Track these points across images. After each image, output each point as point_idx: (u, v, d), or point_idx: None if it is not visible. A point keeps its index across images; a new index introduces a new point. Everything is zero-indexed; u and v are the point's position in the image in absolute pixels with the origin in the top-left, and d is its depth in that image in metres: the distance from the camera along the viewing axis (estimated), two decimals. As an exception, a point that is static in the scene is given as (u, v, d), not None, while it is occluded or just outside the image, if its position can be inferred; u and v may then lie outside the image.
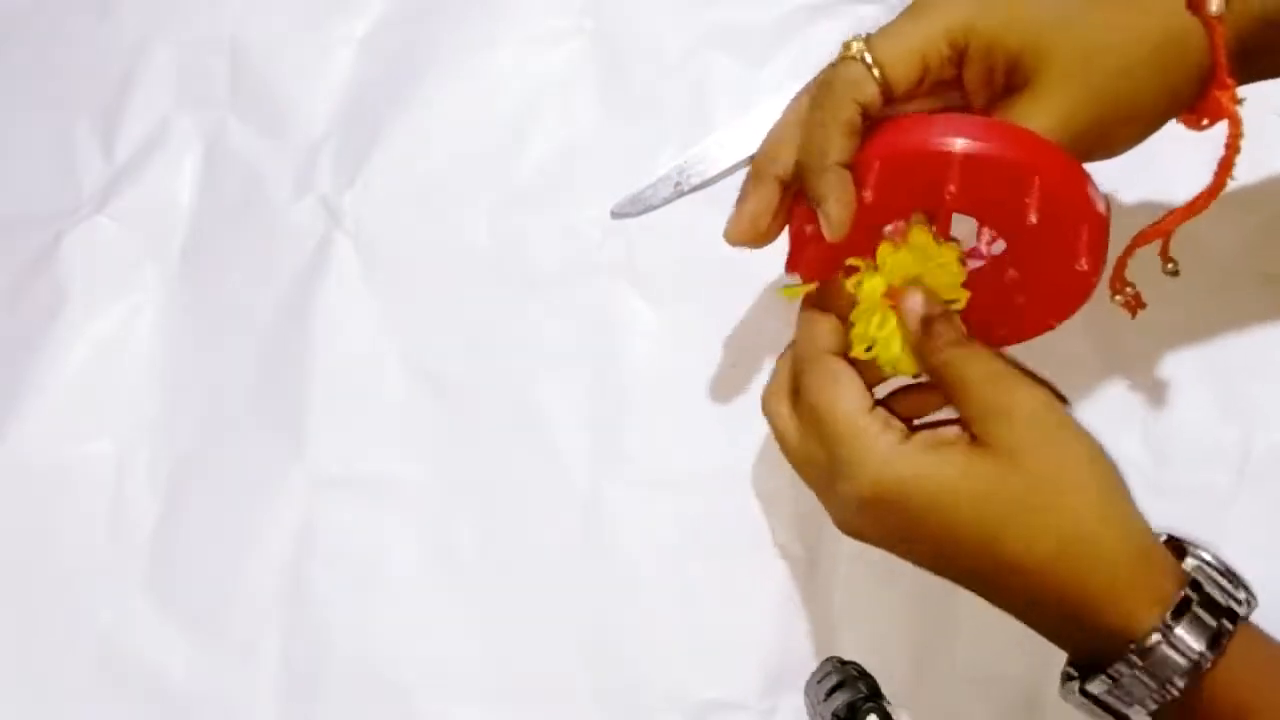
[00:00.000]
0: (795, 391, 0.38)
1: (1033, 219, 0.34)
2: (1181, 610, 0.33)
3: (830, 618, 0.48)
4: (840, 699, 0.40)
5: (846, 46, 0.36)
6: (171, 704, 0.50)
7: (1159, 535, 0.36)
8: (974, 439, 0.35)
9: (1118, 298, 0.43)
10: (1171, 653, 0.33)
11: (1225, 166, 0.38)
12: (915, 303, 0.37)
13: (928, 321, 0.36)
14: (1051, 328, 0.39)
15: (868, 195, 0.35)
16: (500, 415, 0.52)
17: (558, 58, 0.57)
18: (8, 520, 0.53)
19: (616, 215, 0.54)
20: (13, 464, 0.54)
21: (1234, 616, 0.33)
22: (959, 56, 0.35)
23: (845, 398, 0.36)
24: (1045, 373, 0.50)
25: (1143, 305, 0.42)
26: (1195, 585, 0.33)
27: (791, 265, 0.39)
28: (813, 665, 0.43)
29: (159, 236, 0.57)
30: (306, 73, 0.59)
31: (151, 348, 0.55)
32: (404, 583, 0.51)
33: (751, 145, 0.55)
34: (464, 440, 0.52)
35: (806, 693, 0.43)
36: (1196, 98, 0.36)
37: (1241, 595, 0.34)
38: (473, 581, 0.50)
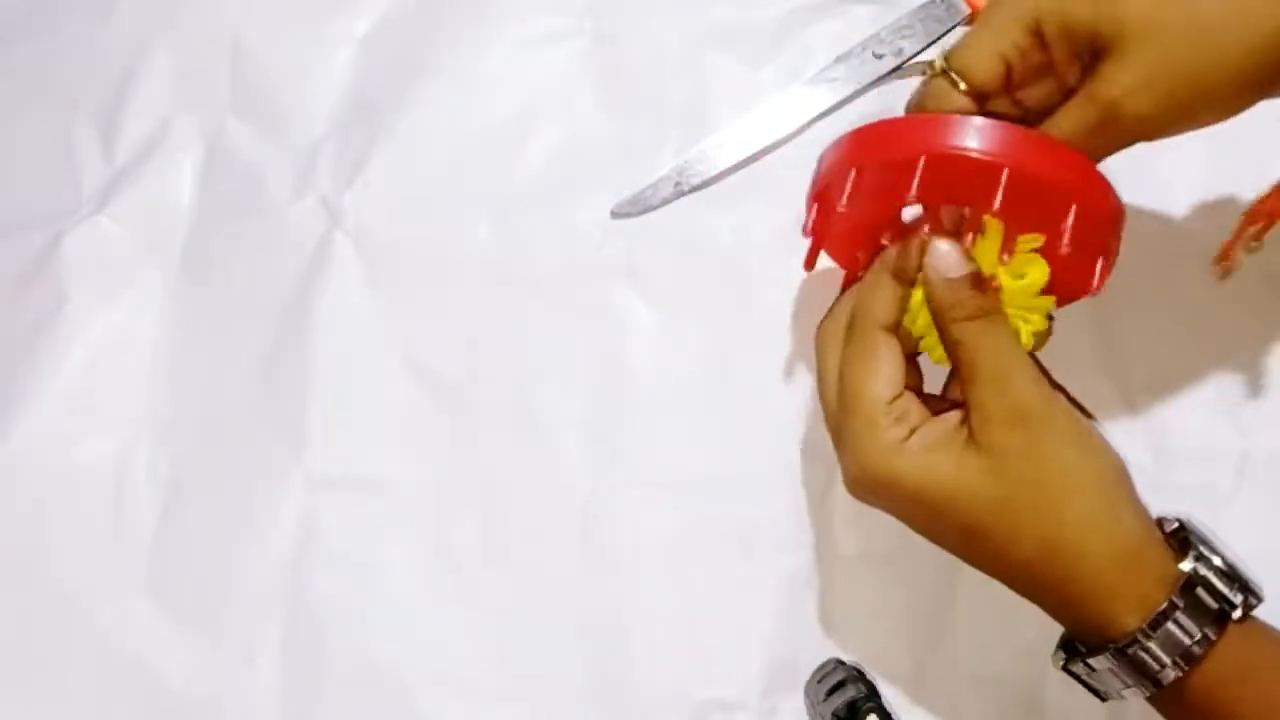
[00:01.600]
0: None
1: (1064, 246, 0.35)
2: (1162, 619, 0.33)
3: (830, 618, 0.48)
4: (840, 699, 0.41)
5: (931, 66, 0.37)
6: (171, 704, 0.50)
7: (1171, 522, 0.36)
8: (970, 434, 0.35)
9: (1218, 268, 0.44)
10: (1147, 658, 0.33)
11: None
12: (948, 261, 0.36)
13: (953, 284, 0.35)
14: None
15: (910, 195, 0.35)
16: (500, 415, 0.52)
17: (558, 58, 0.57)
18: (8, 520, 0.53)
19: (616, 215, 0.54)
20: (13, 464, 0.54)
21: (1224, 620, 0.33)
22: (1040, 42, 0.35)
23: (872, 382, 0.36)
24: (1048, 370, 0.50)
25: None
26: (1186, 588, 0.33)
27: (814, 246, 0.39)
28: (813, 665, 0.43)
29: (159, 236, 0.57)
30: (306, 73, 0.59)
31: (152, 348, 0.55)
32: (404, 583, 0.51)
33: (751, 145, 0.55)
34: (464, 440, 0.52)
35: (806, 693, 0.43)
36: None
37: (1238, 598, 0.34)
38: (472, 581, 0.50)
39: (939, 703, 0.46)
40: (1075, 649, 0.36)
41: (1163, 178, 0.51)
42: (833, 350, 0.38)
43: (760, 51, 0.56)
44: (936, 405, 0.37)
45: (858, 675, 0.41)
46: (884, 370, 0.36)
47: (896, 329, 0.37)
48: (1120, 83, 0.34)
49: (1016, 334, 0.36)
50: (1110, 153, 0.37)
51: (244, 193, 0.57)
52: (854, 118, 0.54)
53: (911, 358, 0.39)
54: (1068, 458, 0.35)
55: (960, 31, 0.54)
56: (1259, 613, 0.35)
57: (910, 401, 0.37)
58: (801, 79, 0.55)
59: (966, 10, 0.54)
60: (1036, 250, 0.37)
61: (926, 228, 0.37)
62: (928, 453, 0.35)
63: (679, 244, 0.53)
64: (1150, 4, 0.34)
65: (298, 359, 0.54)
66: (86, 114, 0.59)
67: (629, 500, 0.50)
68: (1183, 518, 0.36)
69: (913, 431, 0.36)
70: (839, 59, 0.55)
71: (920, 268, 0.36)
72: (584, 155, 0.56)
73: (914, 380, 0.38)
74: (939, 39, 0.54)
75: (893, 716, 0.40)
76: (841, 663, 0.42)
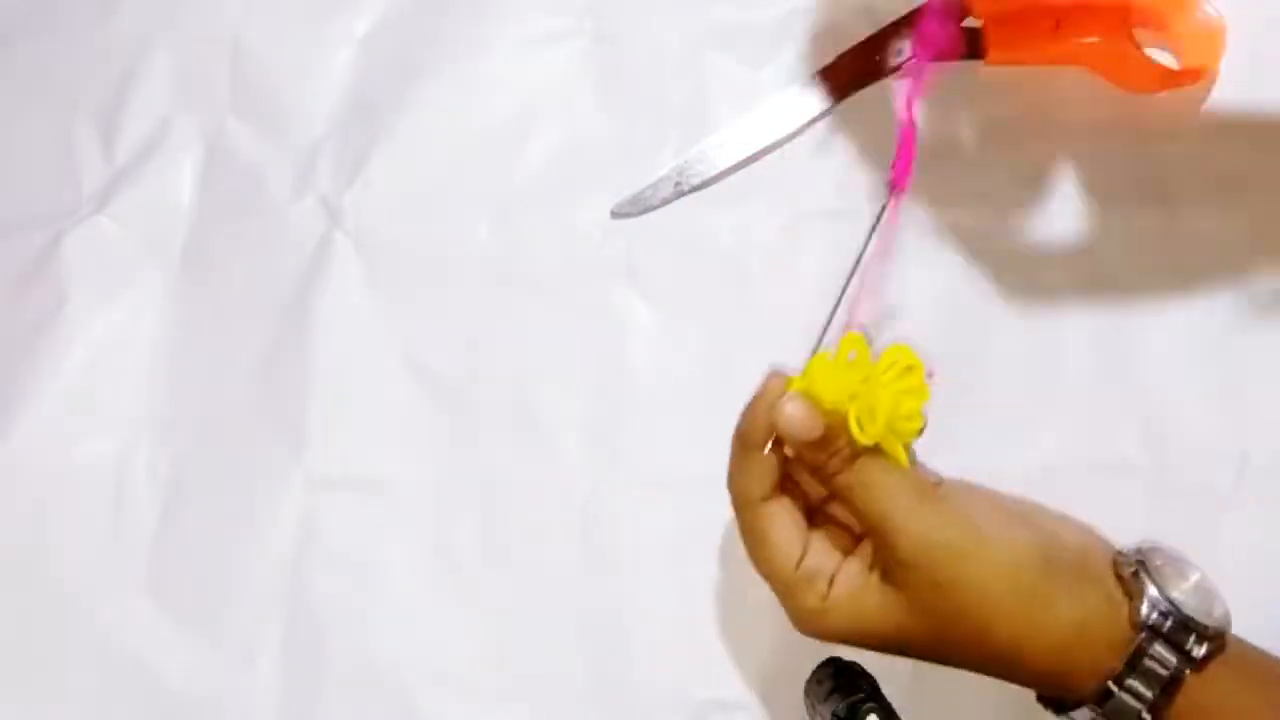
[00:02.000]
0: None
1: None
2: (1118, 682, 0.34)
3: (830, 618, 0.48)
4: (840, 699, 0.40)
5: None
6: (171, 704, 0.50)
7: (1130, 557, 0.36)
8: (881, 570, 0.36)
9: None
10: (1121, 706, 0.34)
11: None
12: (799, 425, 0.35)
13: (813, 446, 0.36)
14: None
15: None
16: (500, 415, 0.52)
17: (558, 58, 0.57)
18: (8, 520, 0.53)
19: (616, 215, 0.54)
20: (13, 464, 0.54)
21: (1179, 674, 0.34)
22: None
23: (772, 557, 0.37)
24: (1046, 371, 0.50)
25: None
26: (1135, 658, 0.34)
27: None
28: (813, 665, 0.43)
29: (159, 236, 0.57)
30: (306, 73, 0.59)
31: (152, 348, 0.55)
32: (404, 583, 0.51)
33: (751, 145, 0.55)
34: (464, 440, 0.52)
35: (806, 693, 0.43)
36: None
37: (1199, 649, 0.34)
38: (472, 581, 0.50)
39: (939, 703, 0.46)
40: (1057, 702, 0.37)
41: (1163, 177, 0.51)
42: (752, 529, 0.38)
43: (760, 51, 0.56)
44: (847, 532, 0.38)
45: (858, 675, 0.41)
46: (776, 543, 0.37)
47: (777, 493, 0.37)
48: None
49: (894, 459, 0.35)
50: None
51: (244, 193, 0.57)
52: (854, 117, 0.54)
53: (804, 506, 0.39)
54: (974, 578, 0.34)
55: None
56: (1250, 613, 0.35)
57: (819, 554, 0.37)
58: (801, 79, 0.55)
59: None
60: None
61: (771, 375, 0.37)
62: (852, 601, 0.36)
63: (679, 244, 0.53)
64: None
65: (298, 359, 0.54)
66: (86, 114, 0.59)
67: (629, 500, 0.50)
68: (1144, 552, 0.36)
69: (831, 581, 0.36)
70: (839, 58, 0.55)
71: (767, 426, 0.36)
72: (584, 155, 0.56)
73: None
74: (939, 39, 0.54)
75: (893, 716, 0.40)
76: (841, 662, 0.42)
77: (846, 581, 0.36)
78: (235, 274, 0.56)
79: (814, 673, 0.43)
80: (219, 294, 0.56)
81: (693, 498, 0.50)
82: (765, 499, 0.37)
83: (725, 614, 0.49)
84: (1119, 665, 0.34)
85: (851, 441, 0.35)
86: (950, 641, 0.35)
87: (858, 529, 0.38)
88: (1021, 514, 0.36)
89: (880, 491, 0.35)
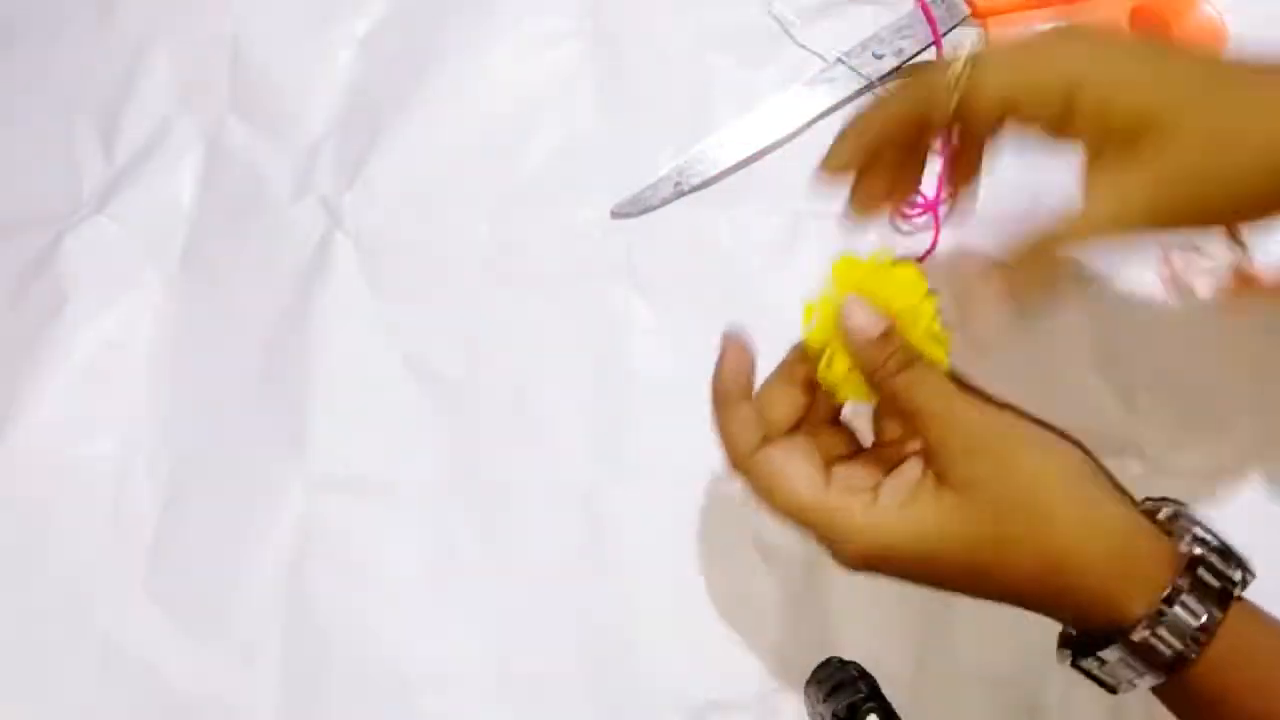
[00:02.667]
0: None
1: None
2: (1170, 601, 0.33)
3: (830, 618, 0.48)
4: (840, 699, 0.40)
5: (950, 65, 0.35)
6: (171, 704, 0.50)
7: (1160, 507, 0.37)
8: (936, 477, 0.35)
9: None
10: (1158, 643, 0.33)
11: None
12: (859, 322, 0.36)
13: (875, 344, 0.35)
14: None
15: None
16: (500, 415, 0.52)
17: (558, 58, 0.57)
18: (8, 520, 0.53)
19: (616, 215, 0.54)
20: (13, 463, 0.54)
21: (1227, 599, 0.34)
22: (1065, 107, 0.34)
23: (797, 488, 0.36)
24: (1045, 371, 0.50)
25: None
26: (1187, 570, 0.34)
27: None
28: (813, 665, 0.43)
29: (159, 237, 0.57)
30: (306, 73, 0.59)
31: (152, 348, 0.55)
32: (404, 582, 0.51)
33: (751, 145, 0.55)
34: (464, 440, 0.52)
35: (806, 693, 0.43)
36: None
37: (1237, 575, 0.34)
38: (472, 581, 0.50)
39: (939, 703, 0.46)
40: (1082, 645, 0.36)
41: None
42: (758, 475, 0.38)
43: (760, 51, 0.56)
44: (879, 455, 0.38)
45: (858, 675, 0.41)
46: (795, 473, 0.36)
47: (771, 436, 0.38)
48: (1140, 181, 0.34)
49: (939, 365, 0.36)
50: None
51: (244, 193, 0.57)
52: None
53: (835, 422, 0.39)
54: (1035, 467, 0.35)
55: (962, 33, 0.54)
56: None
57: (851, 475, 0.37)
58: (801, 79, 0.55)
59: (966, 10, 0.54)
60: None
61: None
62: (904, 510, 0.35)
63: (679, 244, 0.53)
64: (1191, 122, 0.33)
65: (298, 359, 0.54)
66: (86, 114, 0.60)
67: (629, 500, 0.50)
68: (1168, 499, 0.37)
69: (874, 492, 0.36)
70: (839, 59, 0.55)
71: (743, 380, 0.37)
72: (584, 155, 0.56)
73: (844, 447, 0.39)
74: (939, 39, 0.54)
75: (893, 716, 0.40)
76: (842, 662, 0.42)
77: (894, 492, 0.36)
78: (235, 274, 0.56)
79: (814, 673, 0.43)
80: (219, 294, 0.56)
81: (693, 498, 0.50)
82: (762, 445, 0.37)
83: (725, 614, 0.49)
84: (1168, 582, 0.33)
85: (904, 342, 0.35)
86: (1010, 540, 0.34)
87: (889, 453, 0.37)
88: None
89: (941, 384, 0.35)
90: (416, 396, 0.53)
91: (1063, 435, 0.36)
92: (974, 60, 0.35)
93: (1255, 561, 0.35)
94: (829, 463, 0.38)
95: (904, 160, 0.38)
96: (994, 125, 0.36)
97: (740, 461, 0.37)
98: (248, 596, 0.51)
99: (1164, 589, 0.33)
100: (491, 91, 0.57)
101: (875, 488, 0.36)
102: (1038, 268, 0.36)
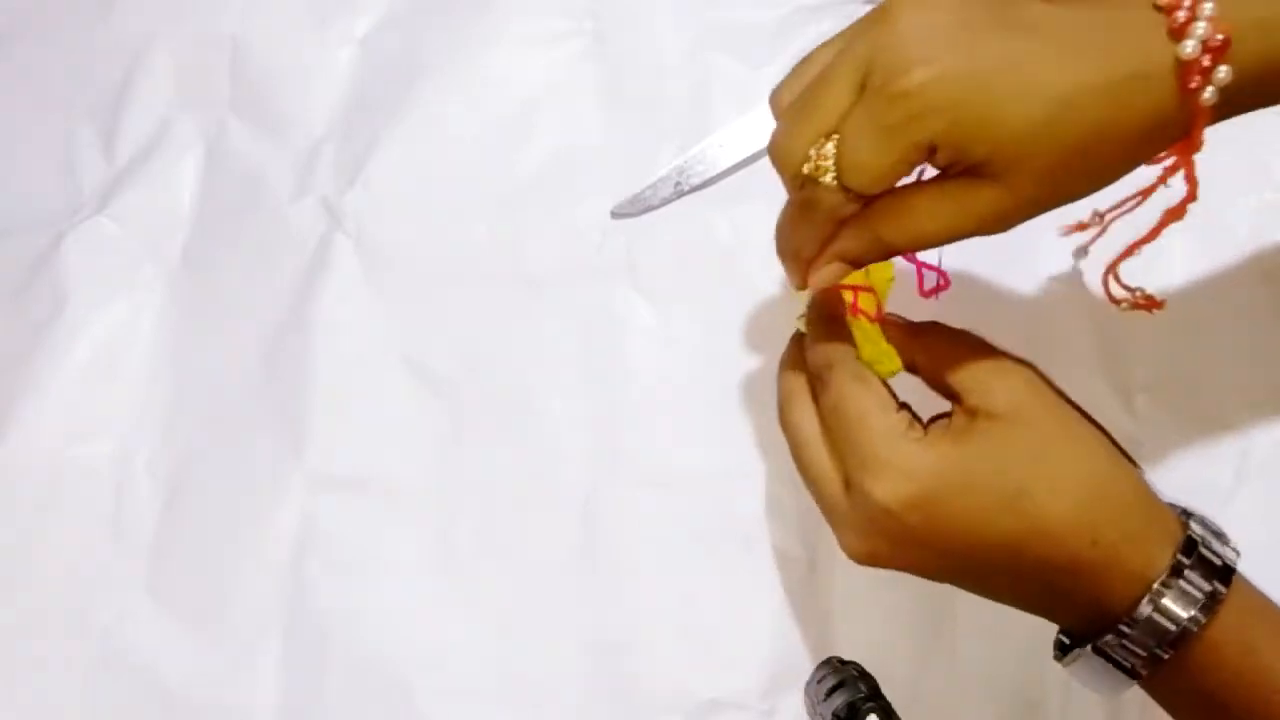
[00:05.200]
0: (816, 400, 0.38)
1: None
2: (1189, 550, 0.34)
3: (830, 618, 0.48)
4: (840, 699, 0.40)
5: (816, 167, 0.35)
6: (171, 704, 0.50)
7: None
8: (975, 414, 0.36)
9: (1124, 305, 0.46)
10: (1190, 587, 0.34)
11: (1175, 214, 0.39)
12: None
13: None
14: None
15: None
16: (500, 415, 0.52)
17: (558, 58, 0.57)
18: (8, 520, 0.53)
19: (616, 215, 0.54)
20: (13, 464, 0.54)
21: (1228, 575, 0.34)
22: (926, 154, 0.35)
23: (875, 397, 0.37)
24: (1046, 371, 0.50)
25: (1157, 304, 0.45)
26: (1194, 530, 0.35)
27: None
28: (813, 665, 0.43)
29: (159, 237, 0.57)
30: (306, 73, 0.59)
31: (152, 348, 0.55)
32: (404, 582, 0.51)
33: (751, 145, 0.55)
34: (464, 440, 0.52)
35: (806, 693, 0.43)
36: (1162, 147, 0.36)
37: (1231, 554, 0.35)
38: (472, 581, 0.50)
39: (939, 703, 0.46)
40: (1083, 639, 0.36)
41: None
42: (803, 421, 0.38)
43: (760, 51, 0.56)
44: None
45: (858, 675, 0.41)
46: (878, 385, 0.37)
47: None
48: (1001, 207, 0.34)
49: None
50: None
51: (244, 193, 0.57)
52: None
53: None
54: (1071, 411, 0.37)
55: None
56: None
57: (909, 413, 0.37)
58: (801, 79, 0.55)
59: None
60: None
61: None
62: (948, 440, 0.35)
63: (679, 244, 0.53)
64: (1049, 147, 0.33)
65: (298, 359, 0.54)
66: (86, 114, 0.59)
67: (629, 500, 0.50)
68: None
69: (925, 434, 0.36)
70: (838, 59, 0.55)
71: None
72: (584, 155, 0.56)
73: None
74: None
75: (893, 716, 0.40)
76: (842, 662, 0.42)
77: (944, 427, 0.37)
78: (235, 274, 0.56)
79: (814, 673, 0.43)
80: (219, 294, 0.56)
81: (693, 497, 0.50)
82: (858, 359, 0.38)
83: (725, 614, 0.49)
84: (1171, 557, 0.34)
85: None
86: (1053, 461, 0.35)
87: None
88: None
89: (980, 344, 0.38)
90: (417, 397, 0.53)
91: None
92: (834, 160, 0.35)
93: (1255, 560, 0.35)
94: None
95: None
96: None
97: (842, 365, 0.38)
98: (248, 596, 0.51)
99: (1182, 540, 0.34)
100: (491, 91, 0.57)
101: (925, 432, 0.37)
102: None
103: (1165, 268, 0.50)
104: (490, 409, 0.52)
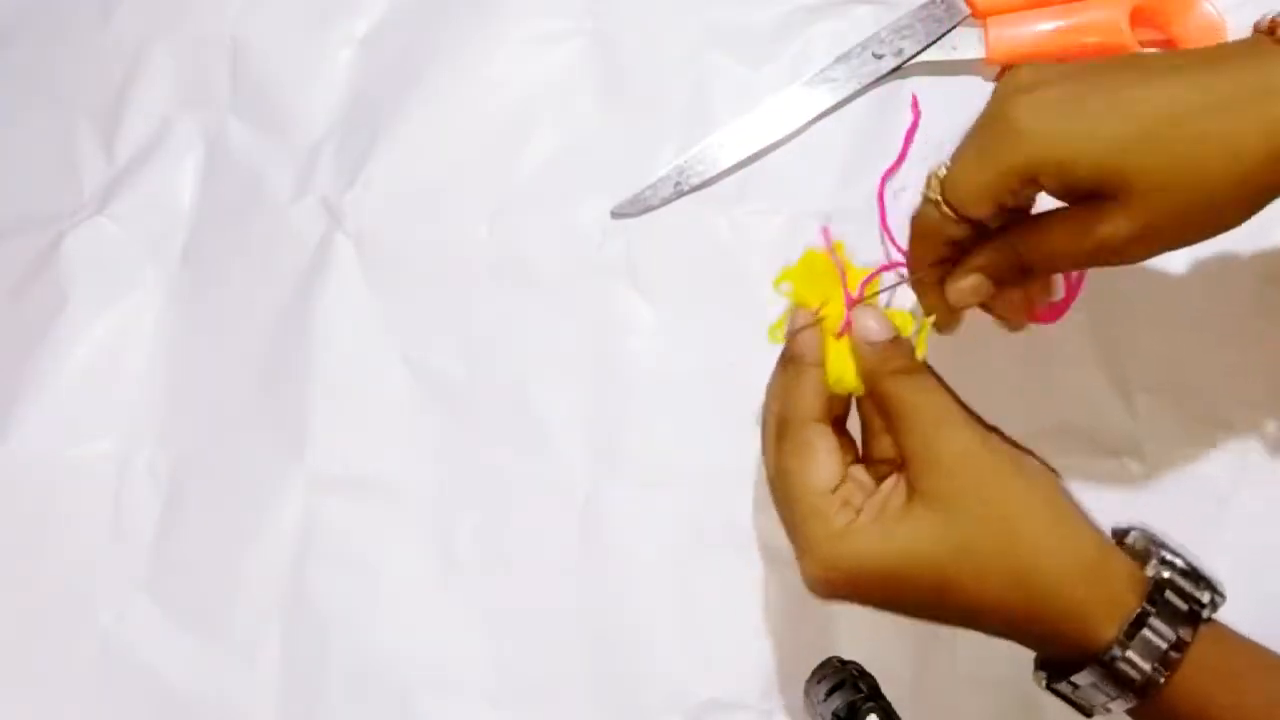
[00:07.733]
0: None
1: None
2: (1138, 625, 0.33)
3: (830, 618, 0.48)
4: (840, 699, 0.40)
5: (928, 183, 0.38)
6: (171, 704, 0.50)
7: (1127, 531, 0.37)
8: (910, 489, 0.36)
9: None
10: (1128, 667, 0.33)
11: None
12: (871, 327, 0.37)
13: (879, 347, 0.37)
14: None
15: None
16: (500, 415, 0.52)
17: (558, 58, 0.57)
18: (8, 520, 0.53)
19: (616, 215, 0.54)
20: (14, 464, 0.54)
21: (1196, 621, 0.34)
22: (1034, 183, 0.36)
23: (812, 475, 0.37)
24: (1045, 371, 0.50)
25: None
26: (1155, 593, 0.34)
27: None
28: (813, 665, 0.43)
29: (160, 237, 0.57)
30: (306, 73, 0.59)
31: (152, 348, 0.55)
32: (404, 583, 0.51)
33: (751, 145, 0.55)
34: (464, 440, 0.52)
35: (806, 693, 0.43)
36: None
37: (1205, 596, 0.34)
38: (472, 581, 0.50)
39: (939, 703, 0.46)
40: (1056, 668, 0.36)
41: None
42: (768, 461, 0.39)
43: (760, 51, 0.56)
44: (873, 472, 0.38)
45: (858, 675, 0.41)
46: (822, 461, 0.37)
47: (828, 417, 0.38)
48: (1121, 231, 0.35)
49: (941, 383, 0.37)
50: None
51: (244, 193, 0.57)
52: (854, 117, 0.54)
53: (843, 432, 0.39)
54: (1014, 487, 0.35)
55: (962, 33, 0.54)
56: (1251, 612, 0.35)
57: (853, 487, 0.37)
58: (801, 79, 0.55)
59: (966, 10, 0.54)
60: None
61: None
62: (877, 524, 0.35)
63: (679, 244, 0.53)
64: (1154, 162, 0.34)
65: (298, 359, 0.54)
66: (86, 114, 0.59)
67: (629, 500, 0.50)
68: (1135, 525, 0.37)
69: (859, 512, 0.36)
70: (839, 59, 0.55)
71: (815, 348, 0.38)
72: (584, 155, 0.56)
73: (851, 455, 0.39)
74: (939, 39, 0.54)
75: (893, 716, 0.40)
76: (842, 662, 0.42)
77: (872, 504, 0.36)
78: (235, 274, 0.56)
79: (814, 673, 0.43)
80: (219, 294, 0.56)
81: (693, 497, 0.50)
82: (816, 420, 0.37)
83: (725, 614, 0.49)
84: (1137, 605, 0.34)
85: (912, 355, 0.37)
86: (980, 554, 0.34)
87: (882, 470, 0.38)
88: None
89: (938, 397, 0.36)
90: (417, 397, 0.53)
91: (1041, 462, 0.37)
92: (942, 181, 0.37)
93: (1255, 560, 0.35)
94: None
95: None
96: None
97: (794, 423, 0.37)
98: (248, 596, 0.51)
99: (1132, 612, 0.33)
100: (491, 91, 0.57)
101: (864, 502, 0.37)
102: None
103: (1165, 268, 0.50)
104: (490, 409, 0.52)
